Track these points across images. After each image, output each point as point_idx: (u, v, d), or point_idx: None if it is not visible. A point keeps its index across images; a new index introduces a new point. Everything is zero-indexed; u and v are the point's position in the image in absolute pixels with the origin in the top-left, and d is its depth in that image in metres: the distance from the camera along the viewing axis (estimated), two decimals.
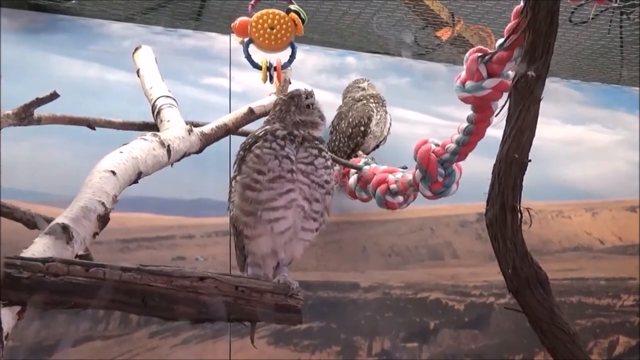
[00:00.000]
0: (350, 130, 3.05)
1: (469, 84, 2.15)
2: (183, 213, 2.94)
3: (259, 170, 1.59)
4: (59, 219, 1.61)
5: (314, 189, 1.61)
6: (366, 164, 2.89)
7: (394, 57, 3.46)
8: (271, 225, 1.59)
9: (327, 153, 1.69)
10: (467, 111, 2.33)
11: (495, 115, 2.18)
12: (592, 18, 3.06)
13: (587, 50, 3.48)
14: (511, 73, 2.04)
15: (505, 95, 1.87)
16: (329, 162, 1.68)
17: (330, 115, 3.13)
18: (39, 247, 1.52)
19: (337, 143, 3.08)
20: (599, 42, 3.37)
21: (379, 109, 3.08)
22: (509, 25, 1.93)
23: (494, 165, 1.82)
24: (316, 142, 1.67)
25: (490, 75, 2.10)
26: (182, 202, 2.92)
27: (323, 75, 3.32)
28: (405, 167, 2.75)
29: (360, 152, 3.06)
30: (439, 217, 3.39)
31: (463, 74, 2.17)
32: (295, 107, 1.72)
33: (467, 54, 2.14)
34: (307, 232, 1.65)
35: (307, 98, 1.74)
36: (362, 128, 3.04)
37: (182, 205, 2.93)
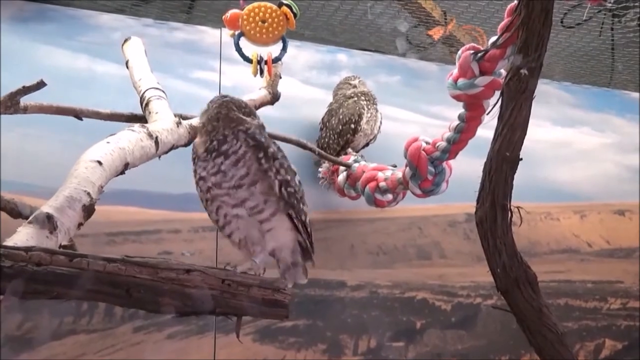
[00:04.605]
0: (340, 127, 3.03)
1: (461, 81, 2.15)
2: (170, 207, 2.90)
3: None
4: (43, 209, 1.58)
5: (233, 195, 1.57)
6: (356, 161, 2.88)
7: (385, 55, 3.45)
8: (230, 239, 1.64)
9: (236, 140, 1.59)
10: (457, 111, 2.32)
11: (487, 114, 2.17)
12: (585, 20, 3.07)
13: (578, 53, 3.48)
14: (503, 71, 2.04)
15: (497, 93, 1.87)
16: (242, 150, 1.58)
17: (320, 112, 3.13)
18: (22, 236, 1.49)
19: (327, 140, 3.06)
20: (591, 44, 3.37)
21: (369, 107, 3.06)
22: (502, 23, 1.93)
23: (485, 163, 1.81)
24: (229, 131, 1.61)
25: (483, 73, 2.10)
26: (169, 196, 2.89)
27: (314, 72, 3.30)
28: (394, 166, 2.74)
29: (349, 150, 3.04)
30: (427, 216, 3.38)
31: (455, 71, 2.16)
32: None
33: (460, 51, 2.14)
34: (268, 222, 1.61)
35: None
36: (353, 125, 3.02)
37: (169, 199, 2.89)
